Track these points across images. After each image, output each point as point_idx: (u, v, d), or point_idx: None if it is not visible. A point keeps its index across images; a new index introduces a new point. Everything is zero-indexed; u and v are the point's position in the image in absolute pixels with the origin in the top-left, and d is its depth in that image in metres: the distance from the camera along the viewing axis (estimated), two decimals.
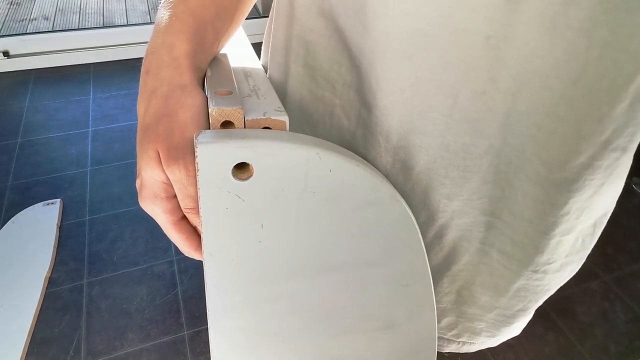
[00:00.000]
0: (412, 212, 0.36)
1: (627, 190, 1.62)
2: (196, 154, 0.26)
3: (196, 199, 0.29)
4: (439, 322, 0.52)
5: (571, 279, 0.47)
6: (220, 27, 0.35)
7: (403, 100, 0.34)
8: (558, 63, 0.29)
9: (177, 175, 0.29)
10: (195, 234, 0.33)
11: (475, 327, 0.51)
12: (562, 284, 0.46)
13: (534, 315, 0.53)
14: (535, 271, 0.42)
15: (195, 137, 0.26)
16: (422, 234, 0.37)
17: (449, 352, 0.55)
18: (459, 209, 0.40)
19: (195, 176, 0.28)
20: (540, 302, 0.48)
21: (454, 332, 0.53)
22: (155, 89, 0.30)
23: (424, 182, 0.39)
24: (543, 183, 0.35)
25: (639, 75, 0.28)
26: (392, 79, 0.34)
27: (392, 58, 0.33)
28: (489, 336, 0.53)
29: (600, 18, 0.26)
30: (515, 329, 0.53)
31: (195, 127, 0.29)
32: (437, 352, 0.46)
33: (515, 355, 1.14)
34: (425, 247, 0.38)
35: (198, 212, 0.30)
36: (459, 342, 0.54)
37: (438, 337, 0.53)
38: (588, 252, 0.45)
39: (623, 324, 1.23)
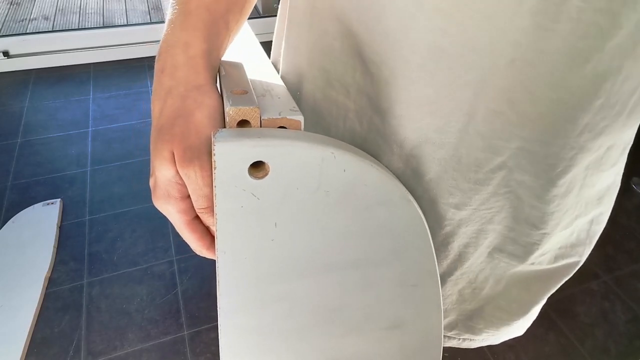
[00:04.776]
0: None
1: (627, 190, 1.62)
2: (213, 152, 0.26)
3: (210, 199, 0.30)
4: None
5: (571, 278, 0.48)
6: (230, 19, 0.35)
7: (420, 112, 0.34)
8: (590, 99, 0.28)
9: (192, 177, 0.29)
10: (207, 233, 0.33)
11: (474, 325, 0.52)
12: (557, 278, 0.47)
13: None
14: (532, 264, 0.44)
15: (213, 136, 0.27)
16: None
17: (449, 348, 0.55)
18: (466, 218, 0.40)
19: (210, 177, 0.28)
20: (536, 296, 0.49)
21: (454, 331, 0.53)
22: (171, 89, 0.30)
23: (433, 191, 0.39)
24: (552, 199, 0.36)
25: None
26: (412, 90, 0.33)
27: (414, 71, 0.32)
28: (489, 335, 0.53)
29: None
30: (515, 329, 0.53)
31: (211, 126, 0.29)
32: None
33: (515, 355, 1.15)
34: None
35: (212, 212, 0.30)
36: (459, 339, 0.54)
37: None
38: (586, 248, 0.46)
39: (623, 324, 1.24)
